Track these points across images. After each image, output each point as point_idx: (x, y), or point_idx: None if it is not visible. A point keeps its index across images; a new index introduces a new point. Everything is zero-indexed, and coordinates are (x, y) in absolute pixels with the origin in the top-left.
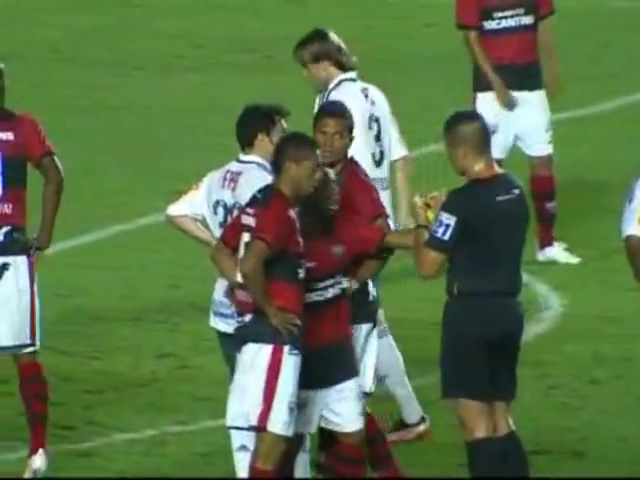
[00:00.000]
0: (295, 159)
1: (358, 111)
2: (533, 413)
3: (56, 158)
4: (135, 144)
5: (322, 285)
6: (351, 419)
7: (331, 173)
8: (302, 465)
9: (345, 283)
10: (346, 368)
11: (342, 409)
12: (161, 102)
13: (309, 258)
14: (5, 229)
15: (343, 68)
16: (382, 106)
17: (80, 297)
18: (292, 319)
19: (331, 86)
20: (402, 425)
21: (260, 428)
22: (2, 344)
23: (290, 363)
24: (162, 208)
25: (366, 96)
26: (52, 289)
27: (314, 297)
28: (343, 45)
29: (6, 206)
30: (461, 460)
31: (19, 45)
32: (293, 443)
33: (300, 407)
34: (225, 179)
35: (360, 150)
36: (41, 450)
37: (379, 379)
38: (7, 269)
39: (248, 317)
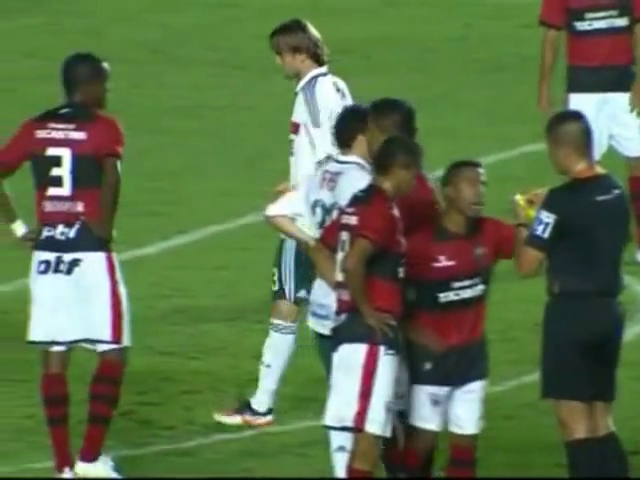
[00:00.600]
0: (405, 165)
1: (334, 106)
2: (633, 413)
3: (118, 163)
4: (237, 144)
5: (459, 285)
6: (471, 421)
7: (482, 174)
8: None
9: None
10: (477, 369)
11: (465, 410)
12: (262, 102)
13: (449, 256)
14: (77, 226)
15: (318, 61)
16: (349, 98)
17: (180, 297)
18: (387, 319)
19: (306, 80)
20: (249, 409)
21: (357, 429)
22: (73, 337)
23: (386, 363)
24: (263, 208)
25: (337, 89)
26: (155, 289)
27: (451, 296)
28: (319, 38)
29: (78, 204)
30: (561, 460)
31: (119, 46)
32: (427, 438)
33: (435, 404)
34: (324, 179)
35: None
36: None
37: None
38: (78, 265)
39: (344, 316)
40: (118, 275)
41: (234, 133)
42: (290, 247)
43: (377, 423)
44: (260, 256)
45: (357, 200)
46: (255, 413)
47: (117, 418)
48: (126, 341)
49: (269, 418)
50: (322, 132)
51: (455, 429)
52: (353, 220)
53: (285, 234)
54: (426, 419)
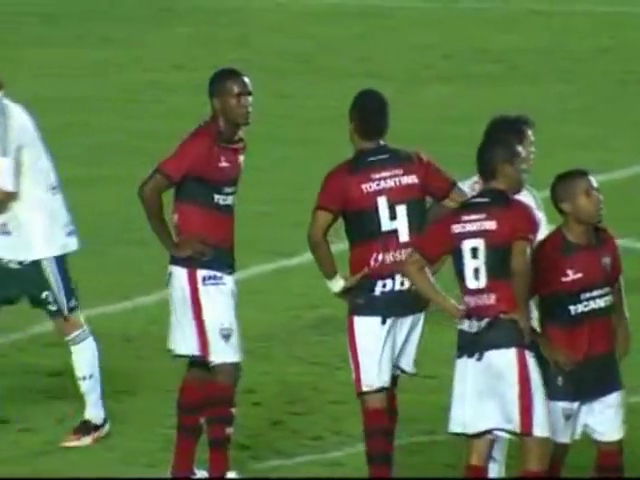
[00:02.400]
0: (509, 160)
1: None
2: None
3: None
4: None
5: (588, 296)
6: (614, 429)
7: (593, 180)
8: (494, 474)
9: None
10: (610, 380)
11: (605, 420)
12: (410, 112)
13: (577, 269)
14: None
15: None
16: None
17: (328, 307)
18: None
19: None
20: (92, 427)
21: (526, 433)
22: (179, 352)
23: (534, 365)
24: None
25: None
26: (302, 299)
27: (581, 308)
28: None
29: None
30: None
31: (269, 56)
32: (560, 451)
33: (568, 419)
34: (473, 190)
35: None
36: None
37: None
38: (170, 277)
39: (484, 322)
40: (201, 288)
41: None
42: (52, 267)
43: (544, 425)
44: None
45: (485, 205)
46: (97, 427)
47: (267, 428)
48: (227, 357)
49: (107, 427)
50: None
51: (598, 437)
52: (490, 225)
53: None
54: (559, 433)
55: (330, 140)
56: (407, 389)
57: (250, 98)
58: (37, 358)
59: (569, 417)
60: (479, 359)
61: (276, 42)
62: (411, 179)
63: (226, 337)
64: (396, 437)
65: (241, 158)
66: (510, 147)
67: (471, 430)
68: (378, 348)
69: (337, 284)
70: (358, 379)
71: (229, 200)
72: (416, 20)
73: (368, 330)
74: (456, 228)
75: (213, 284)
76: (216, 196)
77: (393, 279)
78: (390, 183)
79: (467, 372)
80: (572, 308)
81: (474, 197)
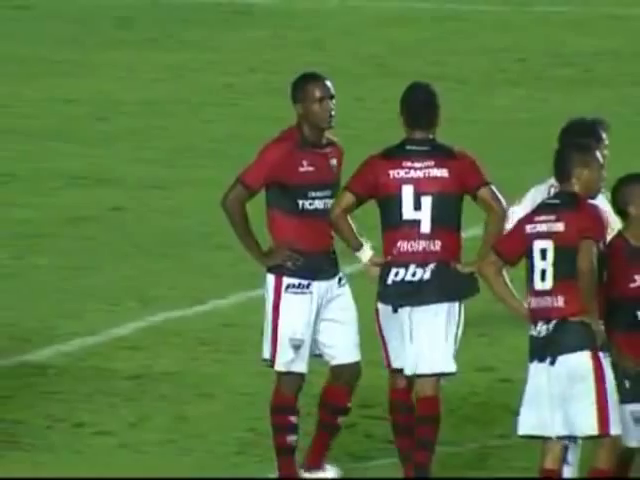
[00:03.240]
0: (586, 164)
1: None
2: None
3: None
4: None
5: None
6: None
7: None
8: (568, 477)
9: None
10: None
11: None
12: (484, 116)
13: None
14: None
15: None
16: None
17: None
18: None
19: None
20: None
21: (604, 434)
22: (263, 356)
23: (608, 366)
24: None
25: None
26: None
27: None
28: None
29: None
30: None
31: (344, 59)
32: (629, 455)
33: (637, 422)
34: (549, 193)
35: None
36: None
37: None
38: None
39: (552, 325)
40: (282, 297)
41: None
42: None
43: (617, 425)
44: None
45: (555, 207)
46: None
47: (341, 431)
48: (293, 367)
49: None
50: None
51: None
52: (559, 227)
53: None
54: (628, 437)
55: None
56: (479, 392)
57: (333, 101)
58: (113, 361)
59: (638, 420)
60: (552, 363)
61: (350, 45)
62: (441, 172)
63: (296, 347)
64: (470, 441)
65: (333, 161)
66: (587, 151)
67: (545, 433)
68: (392, 334)
69: (365, 254)
70: (386, 357)
71: (318, 204)
72: (490, 23)
73: (384, 315)
74: (529, 228)
75: (295, 292)
76: (300, 201)
77: (406, 268)
78: (419, 173)
79: (539, 376)
80: (639, 313)
81: (548, 198)
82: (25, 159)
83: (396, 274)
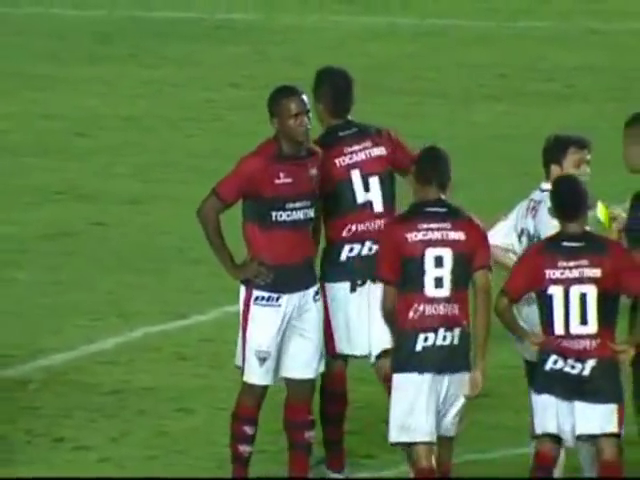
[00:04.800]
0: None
1: None
2: None
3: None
4: None
5: None
6: None
7: None
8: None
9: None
10: None
11: None
12: (464, 131)
13: None
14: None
15: None
16: None
17: None
18: None
19: None
20: None
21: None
22: (235, 362)
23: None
24: None
25: None
26: None
27: None
28: None
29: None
30: None
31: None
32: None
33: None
34: (528, 208)
35: None
36: None
37: None
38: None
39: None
40: (252, 309)
41: None
42: None
43: None
44: None
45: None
46: None
47: (319, 446)
48: (257, 379)
49: None
50: None
51: None
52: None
53: (498, 264)
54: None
55: None
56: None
57: (309, 115)
58: (93, 376)
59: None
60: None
61: (330, 60)
62: (380, 151)
63: (261, 360)
64: (454, 456)
65: (313, 171)
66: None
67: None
68: (346, 314)
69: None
70: (331, 344)
71: (297, 215)
72: (470, 38)
73: (335, 297)
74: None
75: (263, 305)
76: (275, 213)
77: (362, 244)
78: (361, 156)
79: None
80: None
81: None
82: (2, 174)
83: (351, 250)
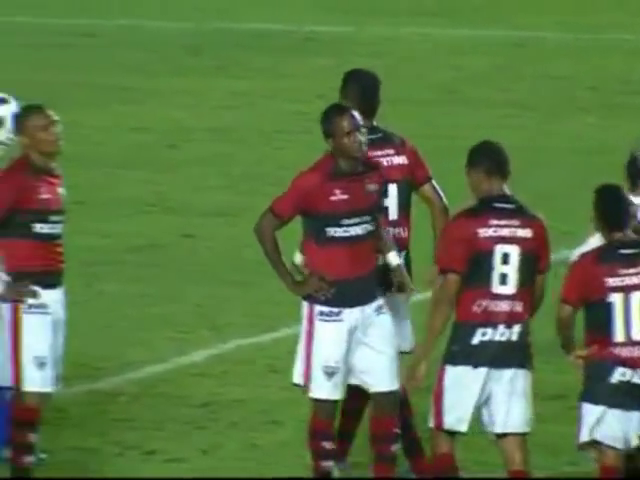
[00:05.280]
0: None
1: None
2: None
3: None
4: (525, 184)
5: None
6: None
7: None
8: None
9: None
10: None
11: None
12: (553, 143)
13: None
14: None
15: None
16: None
17: None
18: None
19: None
20: None
21: None
22: (293, 380)
23: None
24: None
25: None
26: None
27: None
28: None
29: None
30: None
31: (410, 86)
32: None
33: None
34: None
35: None
36: None
37: None
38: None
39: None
40: (315, 324)
41: (525, 173)
42: None
43: None
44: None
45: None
46: None
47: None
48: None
49: None
50: None
51: None
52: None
53: None
54: None
55: None
56: (547, 419)
57: (362, 130)
58: (184, 389)
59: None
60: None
61: (419, 72)
62: (402, 159)
63: (329, 375)
64: (540, 468)
65: (370, 187)
66: None
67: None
68: None
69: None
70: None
71: (355, 231)
72: (560, 51)
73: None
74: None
75: (326, 320)
76: (332, 229)
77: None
78: (383, 162)
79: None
80: None
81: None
82: (93, 186)
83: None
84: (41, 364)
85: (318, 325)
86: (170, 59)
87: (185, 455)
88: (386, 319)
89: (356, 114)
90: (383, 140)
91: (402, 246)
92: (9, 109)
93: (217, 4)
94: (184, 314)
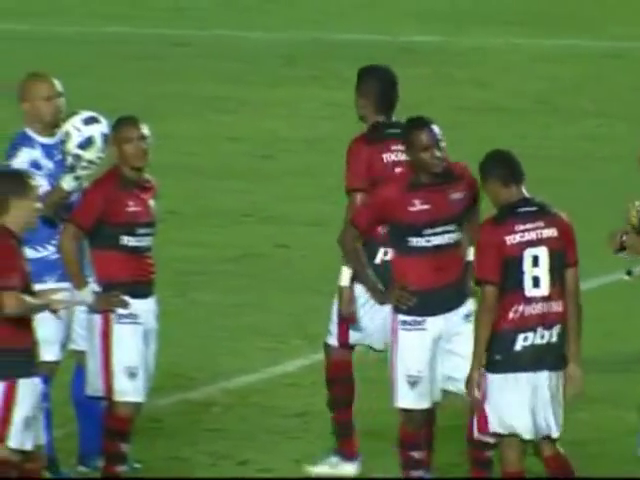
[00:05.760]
0: None
1: None
2: None
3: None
4: (618, 194)
5: None
6: None
7: None
8: None
9: None
10: None
11: None
12: None
13: None
14: None
15: None
16: None
17: None
18: None
19: None
20: None
21: None
22: None
23: None
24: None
25: None
26: None
27: None
28: None
29: None
30: None
31: (505, 96)
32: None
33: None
34: None
35: None
36: None
37: None
38: None
39: None
40: (397, 332)
41: (619, 184)
42: None
43: None
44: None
45: None
46: None
47: None
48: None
49: None
50: None
51: None
52: None
53: None
54: None
55: (568, 180)
56: None
57: (442, 145)
58: (277, 399)
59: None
60: None
61: (513, 82)
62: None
63: (412, 384)
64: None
65: (455, 196)
66: None
67: None
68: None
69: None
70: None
71: (438, 239)
72: None
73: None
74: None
75: (408, 329)
76: (413, 239)
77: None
78: (402, 157)
79: None
80: None
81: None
82: (188, 196)
83: (385, 253)
84: (132, 374)
85: (401, 334)
86: (265, 69)
87: (278, 465)
88: (472, 327)
89: (435, 128)
90: (403, 136)
91: None
92: (99, 129)
93: (312, 15)
94: (277, 324)
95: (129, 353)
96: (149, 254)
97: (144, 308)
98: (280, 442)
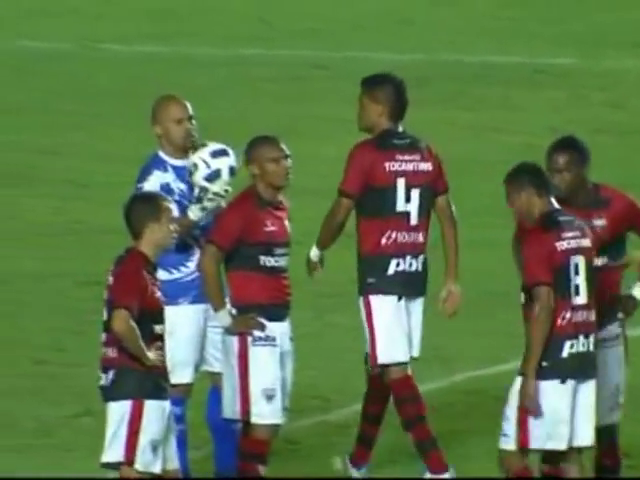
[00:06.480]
0: None
1: None
2: None
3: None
4: None
5: None
6: None
7: None
8: None
9: None
10: None
11: None
12: None
13: None
14: None
15: None
16: None
17: None
18: None
19: None
20: None
21: None
22: None
23: None
24: None
25: None
26: None
27: None
28: None
29: None
30: None
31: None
32: None
33: None
34: None
35: None
36: None
37: None
38: None
39: None
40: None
41: None
42: None
43: None
44: None
45: None
46: None
47: None
48: None
49: None
50: None
51: None
52: None
53: None
54: None
55: None
56: None
57: (564, 171)
58: None
59: None
60: None
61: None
62: (427, 166)
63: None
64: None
65: (597, 222)
66: None
67: None
68: (394, 325)
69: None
70: (374, 355)
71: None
72: None
73: (383, 307)
74: None
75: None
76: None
77: (404, 259)
78: (409, 166)
79: None
80: None
81: None
82: (320, 219)
83: (397, 264)
84: (270, 397)
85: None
86: None
87: None
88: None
89: (562, 154)
90: (411, 146)
91: (420, 251)
92: (227, 162)
93: (446, 36)
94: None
95: (267, 375)
96: (286, 275)
97: (280, 331)
98: (398, 460)
